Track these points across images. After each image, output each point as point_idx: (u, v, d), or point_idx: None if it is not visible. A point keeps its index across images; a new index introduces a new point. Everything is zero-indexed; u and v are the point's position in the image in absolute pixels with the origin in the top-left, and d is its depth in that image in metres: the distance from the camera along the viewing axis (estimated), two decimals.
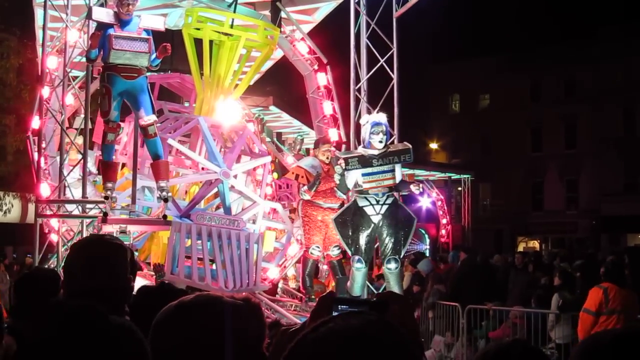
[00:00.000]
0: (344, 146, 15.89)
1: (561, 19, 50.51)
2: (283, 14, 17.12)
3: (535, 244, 50.13)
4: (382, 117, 12.52)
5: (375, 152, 12.30)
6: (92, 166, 16.62)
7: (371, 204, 12.35)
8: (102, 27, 11.59)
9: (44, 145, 14.31)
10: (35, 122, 15.74)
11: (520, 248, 46.29)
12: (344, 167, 12.15)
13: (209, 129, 14.63)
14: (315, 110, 17.09)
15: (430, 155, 51.63)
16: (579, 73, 47.05)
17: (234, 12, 15.71)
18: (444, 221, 38.36)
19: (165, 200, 11.76)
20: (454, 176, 41.44)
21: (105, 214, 11.38)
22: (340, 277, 13.99)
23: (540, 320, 14.12)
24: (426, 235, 36.34)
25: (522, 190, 49.43)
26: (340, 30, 18.54)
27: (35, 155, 15.26)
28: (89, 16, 11.87)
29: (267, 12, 17.14)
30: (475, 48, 49.74)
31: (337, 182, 12.43)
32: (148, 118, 11.71)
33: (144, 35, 11.75)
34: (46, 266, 13.66)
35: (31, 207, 30.09)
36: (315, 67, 17.10)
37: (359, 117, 14.27)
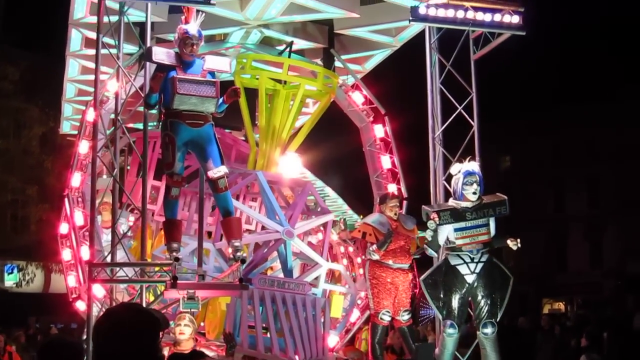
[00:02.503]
0: (405, 202, 14.63)
1: (581, 80, 49.73)
2: (337, 63, 16.02)
3: (560, 305, 48.95)
4: (475, 166, 11.38)
5: (469, 205, 11.11)
6: (127, 228, 15.53)
7: (465, 262, 11.14)
8: (162, 69, 10.30)
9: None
10: (75, 180, 14.51)
11: (546, 310, 45.06)
12: (437, 222, 10.92)
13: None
14: (373, 165, 15.92)
15: None
16: (599, 133, 46.30)
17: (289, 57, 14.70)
18: None
19: (243, 261, 10.40)
20: None
21: (175, 278, 10.01)
22: (422, 344, 12.71)
23: None
24: None
25: (545, 252, 48.30)
26: (395, 78, 17.50)
27: (79, 214, 14.07)
28: (147, 58, 10.58)
29: (318, 61, 16.05)
30: (495, 110, 48.71)
31: (429, 239, 11.18)
32: (218, 170, 10.37)
33: (209, 77, 10.49)
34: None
35: (55, 277, 29.70)
36: (371, 118, 16.02)
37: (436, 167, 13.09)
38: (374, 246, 12.76)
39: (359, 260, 18.97)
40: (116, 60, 11.54)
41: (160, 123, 10.59)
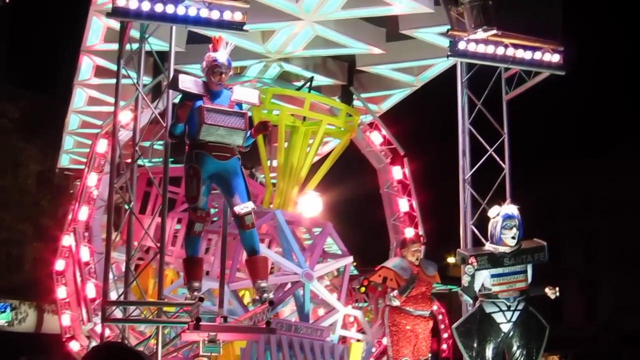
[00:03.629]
0: (423, 247, 14.06)
1: (578, 133, 49.60)
2: (354, 101, 15.51)
3: (554, 359, 48.21)
4: (514, 209, 10.84)
5: (507, 250, 10.57)
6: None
7: (501, 310, 10.60)
8: (189, 98, 9.71)
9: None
10: (82, 214, 13.88)
11: None
12: (475, 267, 10.36)
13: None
14: (391, 207, 15.40)
15: (448, 270, 49.67)
16: (597, 186, 46.04)
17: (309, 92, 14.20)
18: (445, 335, 36.22)
19: (271, 303, 9.74)
20: (454, 288, 39.48)
21: (199, 319, 9.34)
22: None
23: None
24: None
25: (540, 305, 47.70)
26: (414, 117, 17.07)
27: (86, 250, 13.44)
28: (173, 85, 9.95)
29: (336, 98, 15.54)
30: (491, 161, 48.55)
31: (466, 284, 10.58)
32: (245, 205, 9.73)
33: (236, 109, 9.89)
34: None
35: (47, 317, 29.38)
36: (389, 159, 15.55)
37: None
38: (395, 292, 12.24)
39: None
40: (138, 87, 10.90)
41: (185, 155, 9.98)
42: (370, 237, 21.21)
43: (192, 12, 9.88)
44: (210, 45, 10.07)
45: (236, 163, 9.93)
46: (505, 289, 10.60)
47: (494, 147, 12.53)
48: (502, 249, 10.61)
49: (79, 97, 16.50)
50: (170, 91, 10.63)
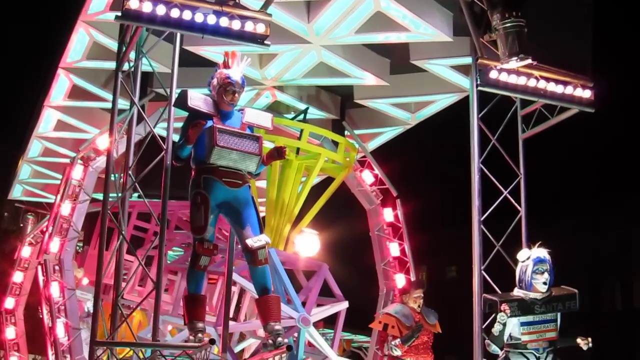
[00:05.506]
0: None
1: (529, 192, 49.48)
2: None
3: None
4: (545, 253, 10.00)
5: (538, 297, 9.71)
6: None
7: None
8: (198, 118, 8.70)
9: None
10: (53, 246, 12.72)
11: None
12: (508, 315, 9.48)
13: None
14: (381, 251, 14.51)
15: None
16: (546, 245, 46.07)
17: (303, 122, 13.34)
18: None
19: (289, 348, 8.69)
20: None
21: None
22: None
23: None
24: None
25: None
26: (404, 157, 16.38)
27: (56, 286, 12.31)
28: (180, 103, 8.87)
29: None
30: (442, 219, 47.82)
31: (496, 333, 9.66)
32: (258, 239, 8.68)
33: (248, 131, 8.92)
34: None
35: None
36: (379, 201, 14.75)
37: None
38: (398, 340, 11.45)
39: None
40: (136, 104, 9.87)
41: (190, 180, 8.92)
42: (356, 281, 20.23)
43: (211, 20, 8.90)
44: (222, 62, 9.11)
45: (247, 192, 8.93)
46: (535, 338, 9.73)
47: (509, 189, 11.73)
48: (532, 295, 9.75)
49: (46, 121, 15.27)
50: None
